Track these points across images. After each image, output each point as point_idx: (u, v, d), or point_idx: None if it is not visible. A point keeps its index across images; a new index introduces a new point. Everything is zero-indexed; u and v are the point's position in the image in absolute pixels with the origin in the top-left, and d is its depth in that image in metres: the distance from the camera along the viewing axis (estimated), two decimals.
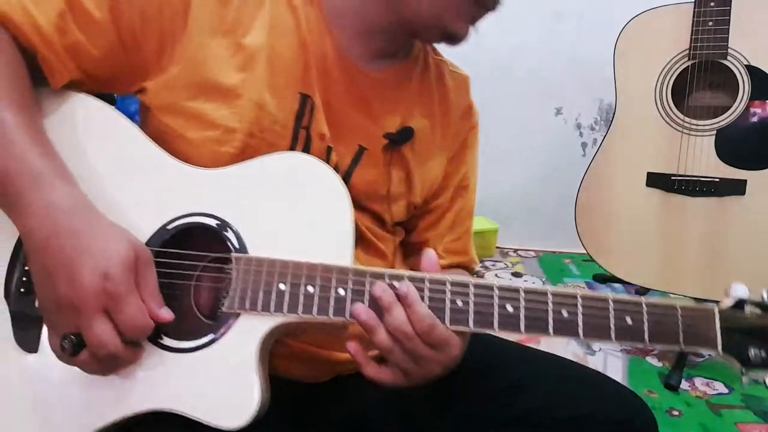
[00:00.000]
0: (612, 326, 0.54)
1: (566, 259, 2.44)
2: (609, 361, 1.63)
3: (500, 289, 0.55)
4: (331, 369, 0.71)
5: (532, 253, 2.52)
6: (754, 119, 1.43)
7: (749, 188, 1.43)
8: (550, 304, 0.55)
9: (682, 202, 1.50)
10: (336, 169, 0.66)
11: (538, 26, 2.31)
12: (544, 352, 0.74)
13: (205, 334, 0.57)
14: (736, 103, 1.44)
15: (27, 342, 0.58)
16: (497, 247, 2.49)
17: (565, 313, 0.55)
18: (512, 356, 0.73)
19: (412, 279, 0.56)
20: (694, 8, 1.45)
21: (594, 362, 1.61)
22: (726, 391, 1.49)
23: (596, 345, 1.71)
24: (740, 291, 0.56)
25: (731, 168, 1.44)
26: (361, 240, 0.70)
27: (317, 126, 0.65)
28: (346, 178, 0.68)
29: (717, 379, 1.54)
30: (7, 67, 0.59)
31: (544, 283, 2.18)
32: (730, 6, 1.41)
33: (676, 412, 1.39)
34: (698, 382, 1.52)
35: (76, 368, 0.54)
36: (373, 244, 0.72)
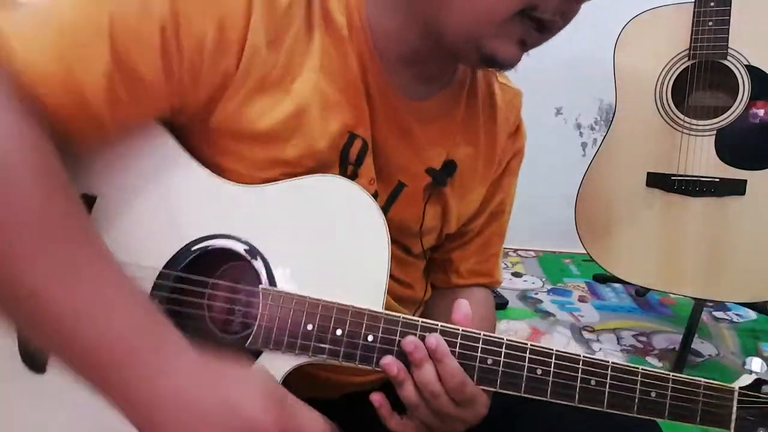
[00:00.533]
0: (636, 400, 0.55)
1: (566, 259, 2.43)
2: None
3: (532, 351, 0.54)
4: (342, 389, 0.70)
5: (532, 253, 2.52)
6: (754, 119, 1.43)
7: (749, 188, 1.43)
8: (580, 373, 0.54)
9: (682, 202, 1.50)
10: None
11: None
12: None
13: None
14: (736, 103, 1.44)
15: (34, 361, 0.55)
16: None
17: (593, 383, 0.54)
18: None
19: (444, 332, 0.54)
20: (694, 8, 1.45)
21: None
22: None
23: (596, 345, 1.71)
24: (756, 366, 0.57)
25: (731, 168, 1.44)
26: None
27: (367, 168, 0.62)
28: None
29: (716, 379, 1.53)
30: (64, 190, 0.46)
31: (543, 283, 2.17)
32: (730, 6, 1.41)
33: None
34: None
35: (86, 393, 0.47)
36: (397, 276, 0.70)
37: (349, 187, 0.57)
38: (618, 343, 1.72)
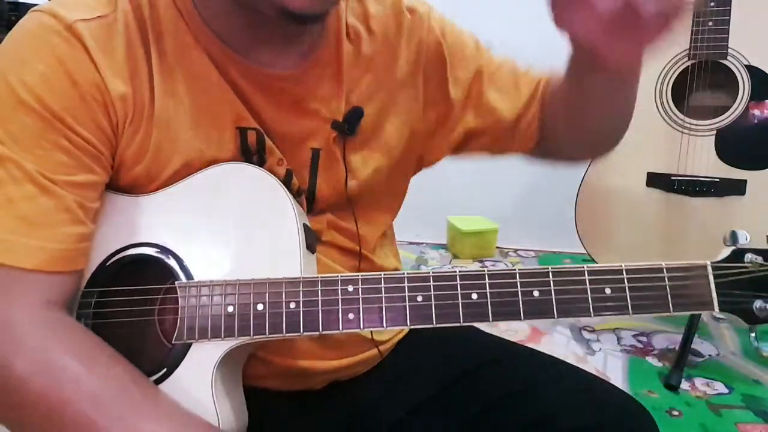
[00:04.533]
0: (590, 300, 0.51)
1: (566, 259, 2.44)
2: (609, 361, 1.63)
3: (462, 277, 0.53)
4: (324, 378, 0.70)
5: (532, 253, 2.52)
6: (754, 119, 1.43)
7: (749, 188, 1.43)
8: (519, 287, 0.52)
9: (682, 202, 1.50)
10: (298, 189, 0.64)
11: (538, 26, 2.31)
12: (550, 356, 0.73)
13: (160, 368, 0.55)
14: (736, 103, 1.44)
15: None
16: (497, 247, 2.49)
17: (536, 294, 0.52)
18: (517, 360, 0.72)
19: (365, 280, 0.54)
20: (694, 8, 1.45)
21: (594, 362, 1.61)
22: (726, 391, 1.49)
23: (596, 345, 1.71)
24: (741, 238, 0.51)
25: (731, 168, 1.44)
26: (336, 248, 0.68)
27: (271, 153, 0.62)
28: (312, 190, 0.65)
29: (717, 379, 1.54)
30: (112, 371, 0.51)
31: None
32: (730, 6, 1.41)
33: (676, 413, 1.39)
34: (698, 382, 1.52)
35: None
36: (348, 248, 0.70)
37: (244, 169, 0.58)
38: (618, 343, 1.72)
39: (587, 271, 0.51)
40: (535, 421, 0.64)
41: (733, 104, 1.45)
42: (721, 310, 0.50)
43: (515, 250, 2.53)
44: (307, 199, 0.65)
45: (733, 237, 0.52)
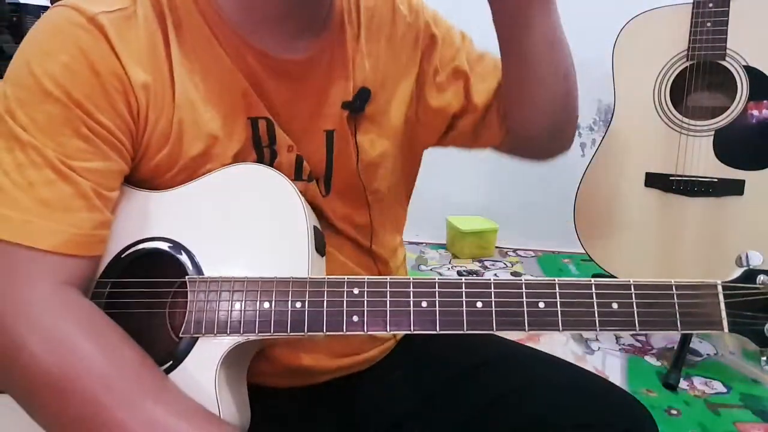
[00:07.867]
0: (596, 314, 0.51)
1: (565, 259, 2.44)
2: (608, 360, 1.63)
3: (468, 285, 0.53)
4: (327, 375, 0.71)
5: (531, 253, 2.52)
6: (753, 120, 1.43)
7: (747, 188, 1.43)
8: (525, 297, 0.52)
9: (680, 202, 1.51)
10: (310, 174, 0.65)
11: None
12: (548, 355, 0.73)
13: (166, 360, 0.55)
14: (734, 104, 1.45)
15: None
16: (496, 247, 2.50)
17: (541, 305, 0.52)
18: (517, 358, 0.73)
19: (371, 284, 0.54)
20: (693, 9, 1.45)
21: (593, 361, 1.62)
22: (724, 390, 1.49)
23: (595, 344, 1.71)
24: (754, 259, 0.51)
25: (729, 168, 1.45)
26: (350, 249, 0.70)
27: (281, 140, 0.64)
28: (329, 174, 0.67)
29: (715, 378, 1.54)
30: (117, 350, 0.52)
31: None
32: (729, 7, 1.41)
33: (674, 411, 1.40)
34: (697, 381, 1.53)
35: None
36: (365, 250, 0.71)
37: (258, 170, 0.60)
38: (617, 343, 1.73)
39: (594, 284, 0.51)
40: (534, 419, 0.65)
41: (731, 105, 1.45)
42: (731, 331, 0.49)
43: (514, 250, 2.53)
44: (325, 181, 0.66)
45: (746, 258, 0.52)
